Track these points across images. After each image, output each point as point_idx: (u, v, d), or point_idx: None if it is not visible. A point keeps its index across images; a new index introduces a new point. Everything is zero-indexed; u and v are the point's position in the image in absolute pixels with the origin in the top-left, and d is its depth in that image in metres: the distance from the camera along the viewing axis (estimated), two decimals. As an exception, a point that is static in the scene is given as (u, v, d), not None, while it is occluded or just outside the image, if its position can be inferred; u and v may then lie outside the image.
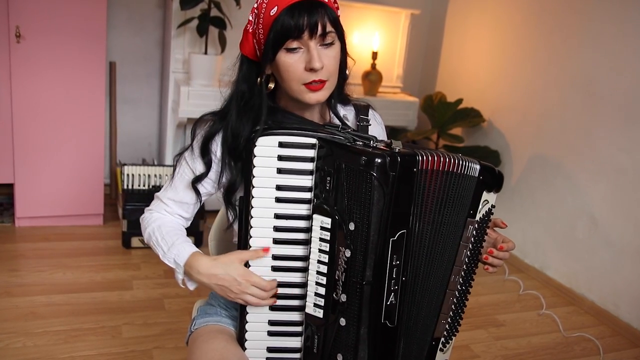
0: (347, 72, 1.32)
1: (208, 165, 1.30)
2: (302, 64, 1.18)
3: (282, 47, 1.18)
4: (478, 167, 1.24)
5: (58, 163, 3.18)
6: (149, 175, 3.26)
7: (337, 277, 1.16)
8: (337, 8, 1.25)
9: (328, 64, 1.20)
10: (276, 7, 1.16)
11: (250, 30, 1.23)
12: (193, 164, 1.32)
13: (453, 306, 1.29)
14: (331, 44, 1.20)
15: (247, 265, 1.23)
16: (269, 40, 1.18)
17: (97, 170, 3.27)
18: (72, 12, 2.98)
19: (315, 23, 1.15)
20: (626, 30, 2.83)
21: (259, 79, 1.26)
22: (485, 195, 1.27)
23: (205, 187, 1.34)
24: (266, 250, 1.21)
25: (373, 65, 3.77)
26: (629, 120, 2.82)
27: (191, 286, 1.29)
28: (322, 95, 1.22)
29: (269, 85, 1.26)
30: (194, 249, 1.27)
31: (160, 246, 1.29)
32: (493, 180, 1.27)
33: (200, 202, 1.37)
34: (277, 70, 1.22)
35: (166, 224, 1.34)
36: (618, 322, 2.85)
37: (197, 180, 1.31)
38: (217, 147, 1.29)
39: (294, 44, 1.17)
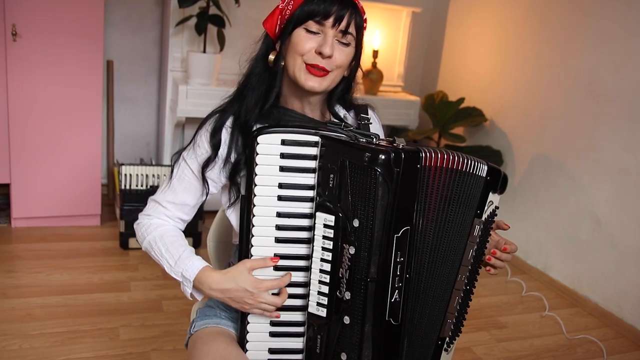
0: (353, 82, 1.36)
1: (216, 149, 1.28)
2: (313, 45, 1.23)
3: (303, 26, 1.23)
4: (486, 167, 1.25)
5: (55, 163, 3.15)
6: (146, 175, 3.24)
7: (340, 275, 1.17)
8: (365, 27, 1.31)
9: (339, 58, 1.24)
10: None
11: (280, 7, 1.27)
12: (193, 164, 1.31)
13: (458, 306, 1.29)
14: (347, 44, 1.25)
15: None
16: (294, 15, 1.23)
17: (95, 170, 3.25)
18: (69, 10, 2.95)
19: (342, 16, 1.21)
20: (630, 30, 2.82)
21: (270, 56, 1.29)
22: (490, 196, 1.28)
23: (208, 182, 1.32)
24: (274, 259, 1.21)
25: (374, 64, 3.77)
26: (632, 120, 2.81)
27: (199, 297, 1.28)
28: (318, 83, 1.25)
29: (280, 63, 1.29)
30: (203, 263, 1.26)
31: (165, 259, 1.28)
32: (499, 181, 1.29)
33: (206, 194, 1.34)
34: (288, 46, 1.25)
35: (168, 232, 1.32)
36: (622, 324, 2.84)
37: (206, 165, 1.29)
38: (221, 143, 1.28)
39: (315, 28, 1.22)
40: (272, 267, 1.22)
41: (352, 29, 1.24)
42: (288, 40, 1.25)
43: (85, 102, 3.12)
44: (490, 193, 1.27)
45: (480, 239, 1.28)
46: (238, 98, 1.31)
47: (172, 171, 1.34)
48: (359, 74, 1.37)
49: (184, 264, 1.25)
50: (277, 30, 1.28)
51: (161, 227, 1.32)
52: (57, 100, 3.06)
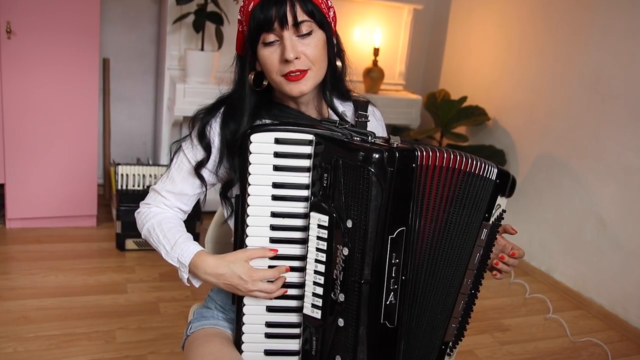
0: (338, 63, 1.31)
1: (208, 150, 1.29)
2: (278, 56, 1.20)
3: (260, 42, 1.21)
4: (496, 170, 1.24)
5: (50, 163, 3.14)
6: (143, 175, 3.23)
7: (335, 277, 1.15)
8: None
9: (308, 53, 1.21)
10: (252, 3, 1.20)
11: (240, 29, 1.27)
12: (191, 154, 1.31)
13: (462, 310, 1.28)
14: (308, 34, 1.20)
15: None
16: (247, 37, 1.22)
17: (91, 170, 3.23)
18: (65, 7, 2.94)
19: (284, 14, 1.17)
20: (635, 27, 2.80)
21: (250, 76, 1.28)
22: (498, 199, 1.27)
23: (204, 175, 1.32)
24: (274, 250, 1.20)
25: (375, 62, 3.75)
26: (638, 119, 2.78)
27: (197, 284, 1.28)
28: (304, 85, 1.23)
29: (263, 82, 1.28)
30: (198, 247, 1.26)
31: (162, 244, 1.28)
32: (508, 184, 1.27)
33: (205, 189, 1.35)
34: (260, 65, 1.25)
35: (167, 219, 1.32)
36: (627, 327, 2.81)
37: (199, 166, 1.30)
38: (214, 136, 1.29)
39: (271, 37, 1.20)
40: (267, 268, 1.22)
41: (302, 17, 1.18)
42: (259, 61, 1.24)
43: (81, 101, 3.10)
44: (499, 196, 1.26)
45: (486, 242, 1.26)
46: (221, 104, 1.31)
47: (171, 160, 1.35)
48: (343, 53, 1.33)
49: (180, 248, 1.25)
50: (245, 53, 1.27)
51: (160, 215, 1.33)
52: (52, 99, 3.05)
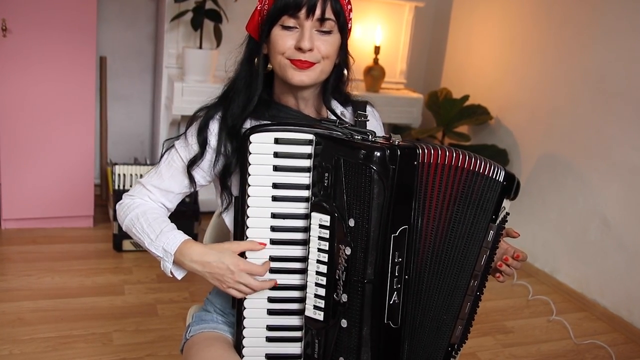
0: (344, 71, 1.33)
1: (203, 147, 1.28)
2: (292, 41, 1.21)
3: (278, 23, 1.21)
4: (504, 172, 1.25)
5: (46, 162, 3.12)
6: (141, 175, 3.19)
7: (337, 277, 1.15)
8: (350, 9, 1.28)
9: (322, 48, 1.22)
10: None
11: (258, 8, 1.26)
12: (183, 153, 1.31)
13: (467, 311, 1.28)
14: (329, 32, 1.22)
15: (243, 256, 1.21)
16: (268, 14, 1.21)
17: (87, 170, 3.22)
18: (61, 5, 2.92)
19: (314, 5, 1.18)
20: (639, 25, 2.77)
21: (256, 59, 1.28)
22: (504, 202, 1.27)
23: (196, 177, 1.31)
24: (262, 244, 1.19)
25: (375, 60, 3.73)
26: (643, 117, 2.77)
27: (179, 275, 1.26)
28: (306, 76, 1.23)
29: (268, 66, 1.28)
30: (186, 236, 1.25)
31: (146, 233, 1.26)
32: (513, 187, 1.27)
33: (194, 189, 1.34)
34: (269, 46, 1.24)
35: (151, 210, 1.31)
36: (631, 329, 2.79)
37: (192, 163, 1.29)
38: (211, 136, 1.28)
39: (291, 22, 1.20)
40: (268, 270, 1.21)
41: (329, 15, 1.20)
42: (269, 41, 1.24)
43: (78, 100, 3.09)
44: (505, 199, 1.26)
45: (492, 244, 1.26)
46: (224, 101, 1.30)
47: (162, 156, 1.35)
48: (350, 61, 1.34)
49: (165, 237, 1.23)
50: (259, 32, 1.26)
51: (144, 205, 1.31)
52: (49, 98, 3.03)
